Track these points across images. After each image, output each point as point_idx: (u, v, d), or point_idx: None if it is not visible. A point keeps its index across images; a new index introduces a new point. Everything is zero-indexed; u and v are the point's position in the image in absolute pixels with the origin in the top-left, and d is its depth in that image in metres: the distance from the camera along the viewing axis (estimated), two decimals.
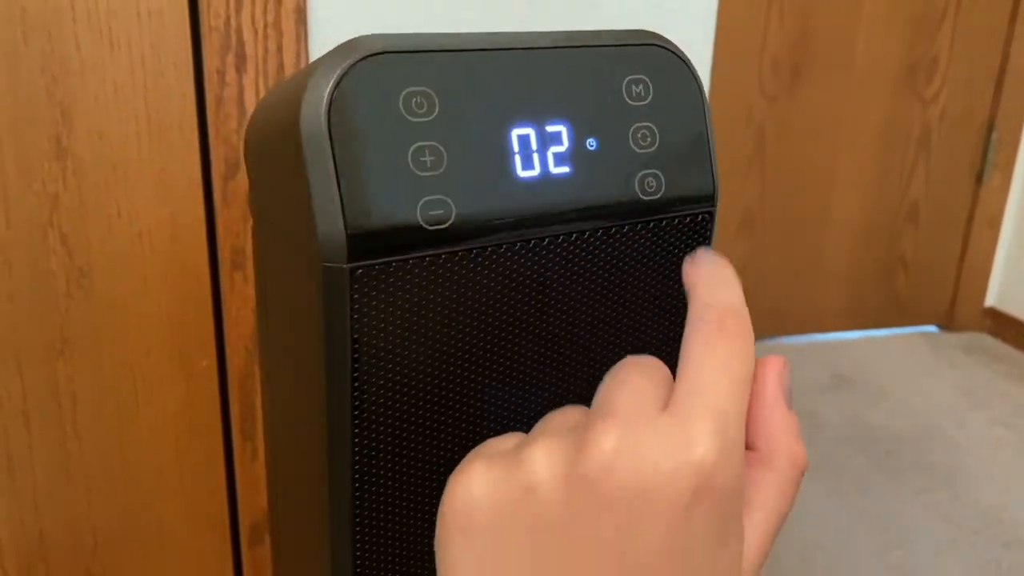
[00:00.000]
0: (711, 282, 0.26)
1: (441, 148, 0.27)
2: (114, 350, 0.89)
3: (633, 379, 0.24)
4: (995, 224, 2.20)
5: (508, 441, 0.26)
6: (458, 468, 0.24)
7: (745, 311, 0.25)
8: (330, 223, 0.25)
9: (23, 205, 0.82)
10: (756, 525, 0.24)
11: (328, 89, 0.25)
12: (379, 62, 0.26)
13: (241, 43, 0.82)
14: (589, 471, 0.22)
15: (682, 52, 0.32)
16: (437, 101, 0.27)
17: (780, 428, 0.25)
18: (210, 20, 0.81)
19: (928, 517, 1.48)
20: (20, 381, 0.86)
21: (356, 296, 0.26)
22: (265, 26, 0.82)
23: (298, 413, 0.33)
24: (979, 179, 2.16)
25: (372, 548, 0.31)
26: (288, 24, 0.83)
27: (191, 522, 0.97)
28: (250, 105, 0.84)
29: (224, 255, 0.89)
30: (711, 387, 0.23)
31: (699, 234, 0.33)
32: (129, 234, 0.86)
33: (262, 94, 0.84)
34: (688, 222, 0.33)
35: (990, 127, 2.11)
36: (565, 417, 0.25)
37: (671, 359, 0.38)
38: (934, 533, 1.44)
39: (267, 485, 0.47)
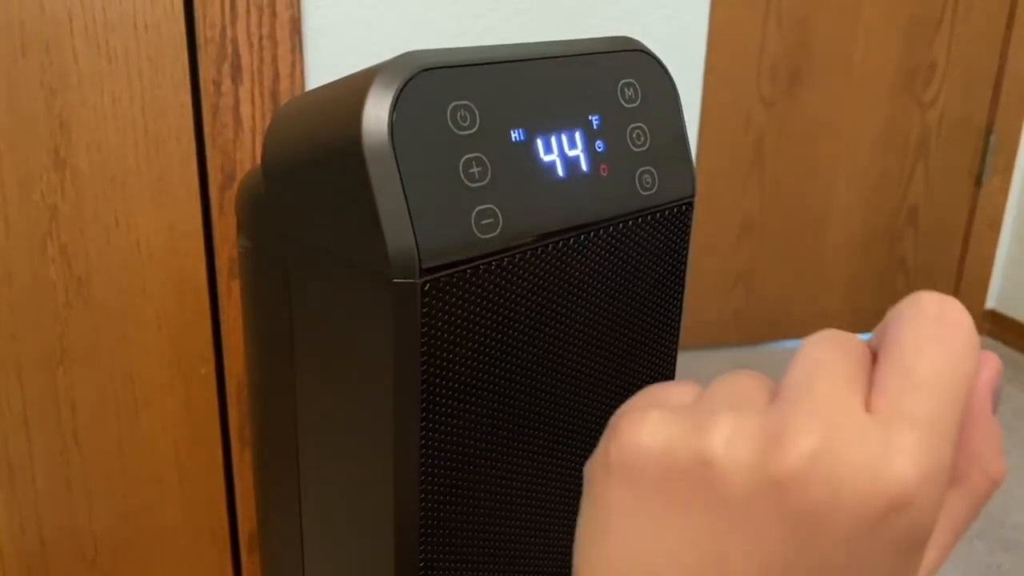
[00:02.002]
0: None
1: (485, 159, 0.28)
2: (113, 358, 0.89)
3: (833, 361, 0.22)
4: (995, 227, 2.20)
5: (682, 392, 0.24)
6: (628, 410, 0.23)
7: (964, 309, 0.22)
8: (400, 239, 0.26)
9: (22, 216, 0.83)
10: (937, 547, 0.22)
11: (389, 106, 0.25)
12: (429, 78, 0.27)
13: (237, 54, 0.83)
14: (780, 473, 0.20)
15: (657, 56, 0.33)
16: (477, 114, 0.28)
17: (983, 444, 0.22)
18: (206, 32, 0.82)
19: None
20: (20, 389, 0.87)
21: (425, 310, 0.27)
22: (260, 37, 0.83)
23: (339, 428, 0.33)
24: (978, 182, 2.16)
25: (440, 554, 0.32)
26: (283, 35, 0.83)
27: (190, 529, 0.98)
28: (246, 115, 0.85)
29: (222, 263, 0.90)
30: (925, 391, 0.20)
31: (682, 222, 0.36)
32: (127, 243, 0.86)
33: (258, 104, 0.85)
34: (675, 211, 0.35)
35: (988, 130, 2.12)
36: (747, 387, 0.23)
37: (666, 348, 0.39)
38: None
39: (257, 495, 0.47)
